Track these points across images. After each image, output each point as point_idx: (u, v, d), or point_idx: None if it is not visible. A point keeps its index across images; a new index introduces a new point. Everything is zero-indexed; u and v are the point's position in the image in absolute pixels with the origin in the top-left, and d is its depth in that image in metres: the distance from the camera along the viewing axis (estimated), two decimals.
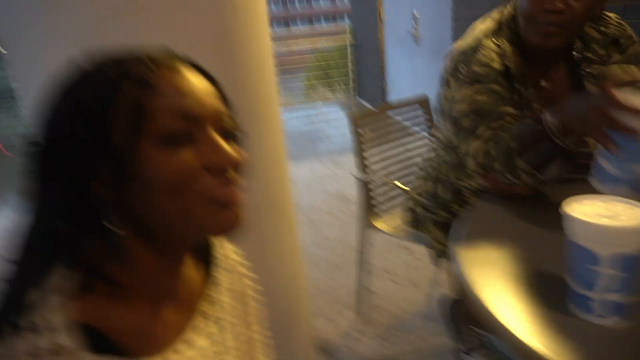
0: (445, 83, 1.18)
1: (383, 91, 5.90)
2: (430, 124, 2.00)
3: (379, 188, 1.88)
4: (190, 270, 0.57)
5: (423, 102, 2.01)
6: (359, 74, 7.10)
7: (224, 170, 0.48)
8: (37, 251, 0.46)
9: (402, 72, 5.15)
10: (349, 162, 4.22)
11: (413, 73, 4.75)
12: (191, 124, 0.46)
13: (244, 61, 1.19)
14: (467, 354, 1.62)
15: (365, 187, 1.84)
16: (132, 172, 0.45)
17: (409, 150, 1.97)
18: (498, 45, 1.10)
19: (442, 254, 1.36)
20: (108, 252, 0.46)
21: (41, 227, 0.46)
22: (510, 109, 1.07)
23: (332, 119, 6.63)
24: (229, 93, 0.54)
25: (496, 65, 1.08)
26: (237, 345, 0.63)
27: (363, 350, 1.79)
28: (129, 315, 0.48)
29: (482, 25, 1.16)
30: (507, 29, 1.11)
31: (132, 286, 0.49)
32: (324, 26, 36.08)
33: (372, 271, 2.29)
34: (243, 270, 0.69)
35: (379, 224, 1.80)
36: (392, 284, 2.20)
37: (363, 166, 1.82)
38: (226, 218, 0.49)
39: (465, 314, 1.50)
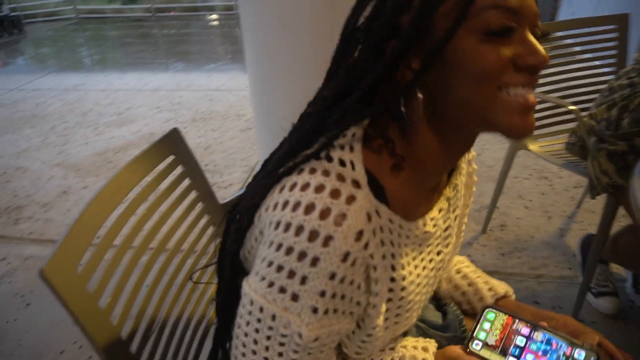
0: None
1: (554, 6, 5.16)
2: (622, 46, 1.77)
3: (542, 109, 1.78)
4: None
5: (621, 21, 1.76)
6: None
7: (534, 70, 0.48)
8: (343, 109, 0.50)
9: None
10: None
11: None
12: (513, 21, 0.46)
13: None
14: (595, 295, 1.58)
15: None
16: (446, 58, 0.47)
17: (590, 75, 1.79)
18: None
19: (606, 188, 1.30)
20: (399, 130, 0.52)
21: (347, 91, 0.50)
22: None
23: None
24: None
25: None
26: (457, 225, 0.70)
27: (482, 261, 1.85)
28: (396, 184, 0.54)
29: None
30: None
31: (407, 161, 0.53)
32: None
33: (506, 193, 2.26)
34: (472, 158, 0.73)
35: (533, 146, 1.74)
36: (524, 210, 2.16)
37: None
38: (525, 122, 0.49)
39: (615, 255, 1.45)
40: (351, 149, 0.51)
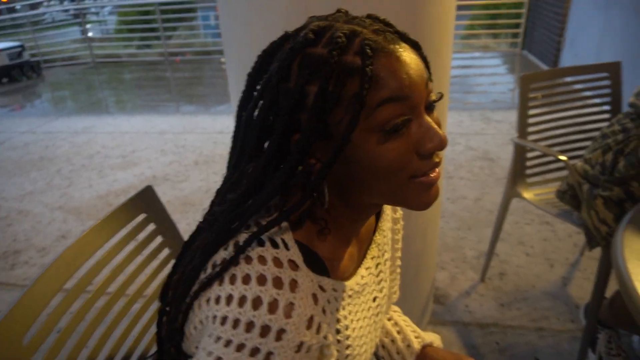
0: None
1: (557, 48, 5.22)
2: (616, 94, 1.76)
3: (536, 156, 1.76)
4: None
5: (612, 69, 1.76)
6: (532, 24, 6.33)
7: (436, 152, 0.49)
8: (264, 189, 0.51)
9: (588, 28, 4.46)
10: (501, 120, 3.95)
11: (603, 31, 4.09)
12: (406, 109, 0.47)
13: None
14: None
15: (521, 152, 1.73)
16: (348, 155, 0.48)
17: (582, 122, 1.78)
18: None
19: (606, 237, 1.25)
20: (315, 205, 0.54)
21: (265, 177, 0.51)
22: None
23: (491, 72, 6.14)
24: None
25: None
26: (388, 268, 0.72)
27: (479, 311, 1.79)
28: (327, 247, 0.55)
29: None
30: None
31: (329, 228, 0.55)
32: None
33: (506, 239, 2.21)
34: (399, 216, 0.76)
35: (527, 194, 1.70)
36: (525, 257, 2.10)
37: (524, 130, 1.70)
38: (431, 196, 0.51)
39: (613, 317, 1.37)
40: (279, 226, 0.51)
